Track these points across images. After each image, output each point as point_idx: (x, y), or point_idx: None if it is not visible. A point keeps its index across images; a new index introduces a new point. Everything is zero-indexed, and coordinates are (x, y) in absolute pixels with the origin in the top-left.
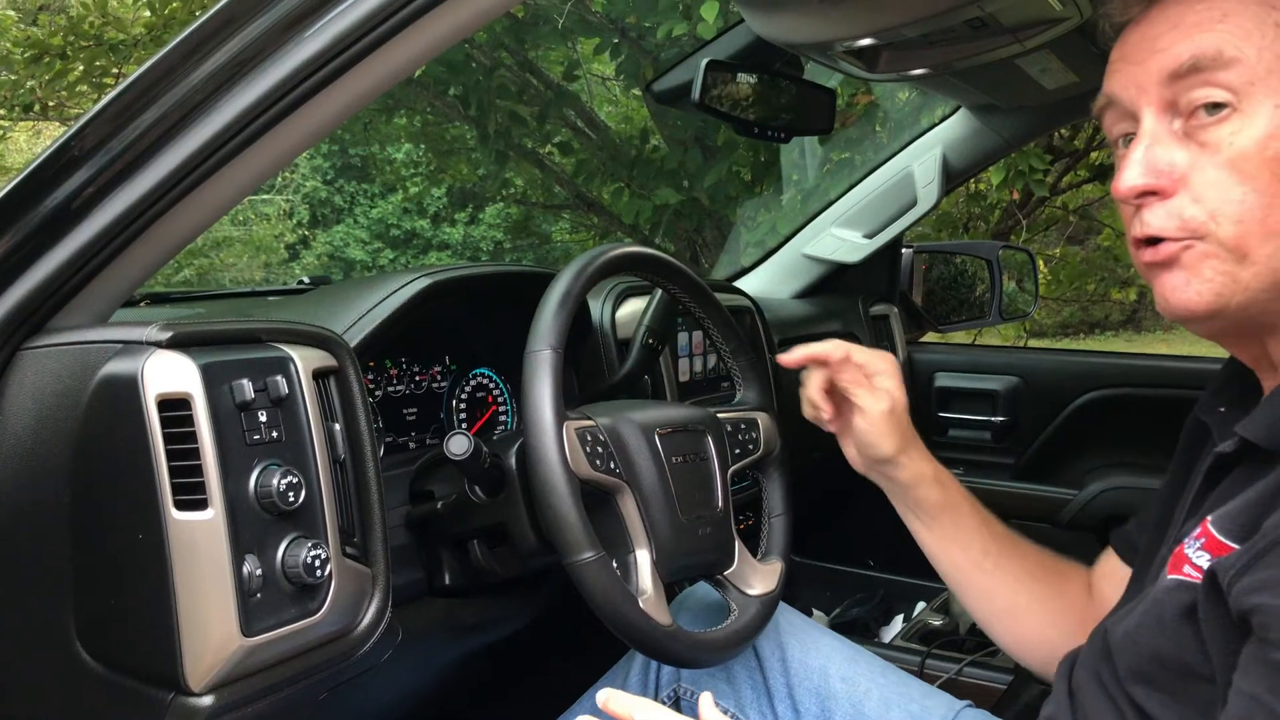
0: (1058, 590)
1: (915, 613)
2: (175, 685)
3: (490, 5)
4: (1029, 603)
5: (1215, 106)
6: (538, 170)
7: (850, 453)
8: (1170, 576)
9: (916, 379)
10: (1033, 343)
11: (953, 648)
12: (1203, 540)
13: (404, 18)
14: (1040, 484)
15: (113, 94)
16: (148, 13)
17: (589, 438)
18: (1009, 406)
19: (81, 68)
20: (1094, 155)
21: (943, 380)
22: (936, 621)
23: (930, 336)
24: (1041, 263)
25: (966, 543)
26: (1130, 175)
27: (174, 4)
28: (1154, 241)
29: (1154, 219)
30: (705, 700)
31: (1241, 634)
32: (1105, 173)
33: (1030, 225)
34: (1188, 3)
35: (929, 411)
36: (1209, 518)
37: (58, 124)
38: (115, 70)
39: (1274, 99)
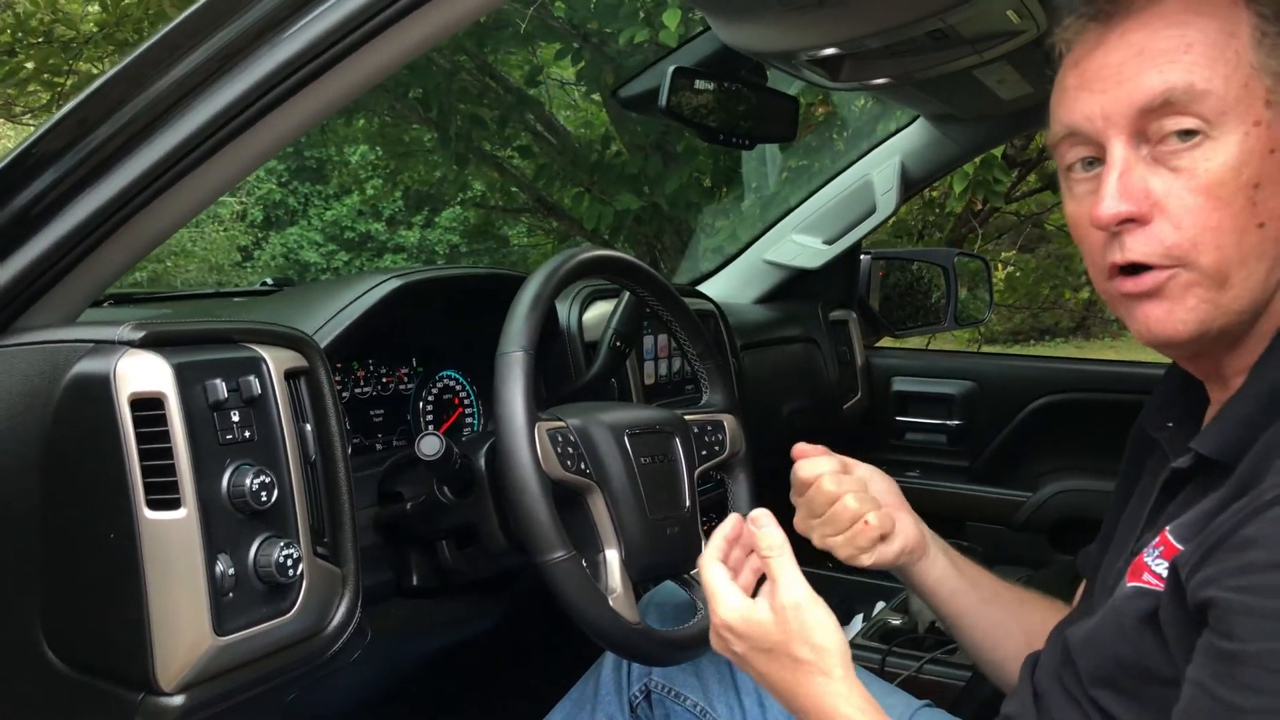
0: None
1: (875, 612)
2: (146, 685)
3: (464, 12)
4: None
5: (1187, 133)
6: (497, 174)
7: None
8: (1130, 584)
9: (875, 383)
10: (985, 348)
11: (912, 646)
12: (1162, 549)
13: (376, 25)
14: (995, 487)
15: (84, 95)
16: (98, 9)
17: (560, 439)
18: (964, 410)
19: (32, 65)
20: (1048, 164)
21: (900, 385)
22: (896, 620)
23: (886, 341)
24: (1000, 268)
25: (973, 581)
26: (1110, 203)
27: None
28: (1134, 270)
29: (1137, 244)
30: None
31: (1199, 628)
32: (1058, 181)
33: (985, 233)
34: (1149, 28)
35: (887, 416)
36: (1167, 528)
37: (4, 120)
38: (66, 68)
39: (1244, 125)
